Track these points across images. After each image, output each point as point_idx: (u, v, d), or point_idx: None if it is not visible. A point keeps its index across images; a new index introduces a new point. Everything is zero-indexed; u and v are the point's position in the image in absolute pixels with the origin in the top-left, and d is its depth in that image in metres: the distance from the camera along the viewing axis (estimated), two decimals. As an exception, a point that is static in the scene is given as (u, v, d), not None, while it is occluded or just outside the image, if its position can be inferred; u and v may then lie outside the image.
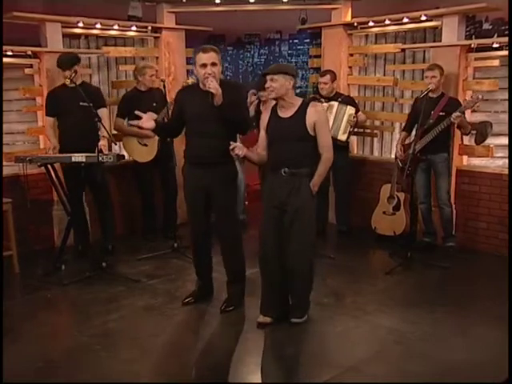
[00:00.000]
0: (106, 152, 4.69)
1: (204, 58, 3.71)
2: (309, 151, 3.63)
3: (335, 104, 5.53)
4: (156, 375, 3.28)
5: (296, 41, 7.50)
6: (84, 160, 4.64)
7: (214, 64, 3.71)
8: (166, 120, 5.07)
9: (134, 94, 5.57)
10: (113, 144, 5.60)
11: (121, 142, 5.77)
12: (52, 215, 5.49)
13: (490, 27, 6.12)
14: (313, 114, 3.58)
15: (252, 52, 7.61)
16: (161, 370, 3.33)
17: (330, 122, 5.47)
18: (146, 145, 5.57)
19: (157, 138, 5.33)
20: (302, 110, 3.60)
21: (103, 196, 5.24)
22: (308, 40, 7.40)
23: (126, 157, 5.69)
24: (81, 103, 4.77)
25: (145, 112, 5.24)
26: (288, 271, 3.76)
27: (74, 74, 4.72)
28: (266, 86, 3.61)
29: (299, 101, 3.66)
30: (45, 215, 5.43)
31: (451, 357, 3.40)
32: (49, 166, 4.75)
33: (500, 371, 3.10)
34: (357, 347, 3.56)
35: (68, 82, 4.66)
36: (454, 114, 4.80)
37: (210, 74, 3.69)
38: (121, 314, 4.04)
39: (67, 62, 4.85)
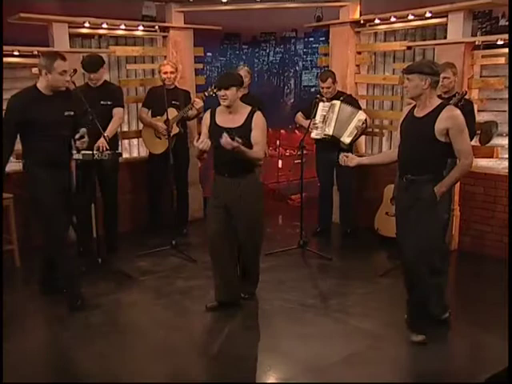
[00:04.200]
0: (106, 150, 4.78)
1: (64, 65, 3.93)
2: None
3: (337, 103, 5.46)
4: (120, 370, 3.32)
5: (311, 39, 7.43)
6: (81, 157, 4.75)
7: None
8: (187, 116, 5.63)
9: (158, 90, 5.68)
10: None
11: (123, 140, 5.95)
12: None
13: (507, 23, 5.91)
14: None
15: (267, 50, 7.60)
16: (127, 366, 3.38)
17: (332, 121, 5.46)
18: (160, 137, 5.70)
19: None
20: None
21: (111, 196, 5.37)
22: (323, 38, 7.35)
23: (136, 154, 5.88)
24: (101, 102, 5.02)
25: (163, 107, 5.40)
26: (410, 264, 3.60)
27: (73, 74, 4.81)
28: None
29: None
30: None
31: (424, 365, 3.33)
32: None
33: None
34: (329, 349, 3.53)
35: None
36: None
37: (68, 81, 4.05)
38: (105, 308, 4.13)
39: (94, 64, 5.07)
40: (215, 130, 3.85)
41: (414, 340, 3.53)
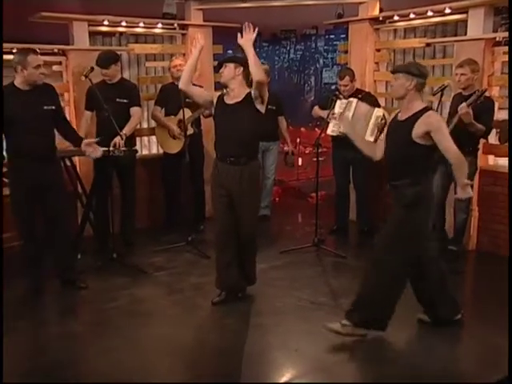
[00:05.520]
0: (122, 147, 4.83)
1: (38, 59, 4.04)
2: None
3: (354, 101, 5.41)
4: (128, 365, 3.35)
5: (332, 36, 7.39)
6: (96, 154, 4.84)
7: None
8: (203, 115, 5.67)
9: (171, 87, 5.74)
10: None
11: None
12: (77, 207, 5.70)
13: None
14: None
15: (288, 48, 7.57)
16: (135, 361, 3.40)
17: (348, 119, 5.40)
18: (174, 137, 5.75)
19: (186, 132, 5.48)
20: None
21: (129, 192, 5.45)
22: (344, 35, 7.27)
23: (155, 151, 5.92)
24: (117, 99, 5.08)
25: (177, 106, 5.43)
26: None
27: (90, 71, 4.87)
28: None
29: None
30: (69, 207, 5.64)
31: (427, 366, 3.30)
32: (66, 160, 4.98)
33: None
34: (334, 348, 3.51)
35: (83, 78, 4.81)
36: (460, 106, 4.51)
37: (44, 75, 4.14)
38: (118, 303, 4.19)
39: (105, 60, 5.12)
40: (221, 107, 3.97)
41: (343, 323, 3.54)
